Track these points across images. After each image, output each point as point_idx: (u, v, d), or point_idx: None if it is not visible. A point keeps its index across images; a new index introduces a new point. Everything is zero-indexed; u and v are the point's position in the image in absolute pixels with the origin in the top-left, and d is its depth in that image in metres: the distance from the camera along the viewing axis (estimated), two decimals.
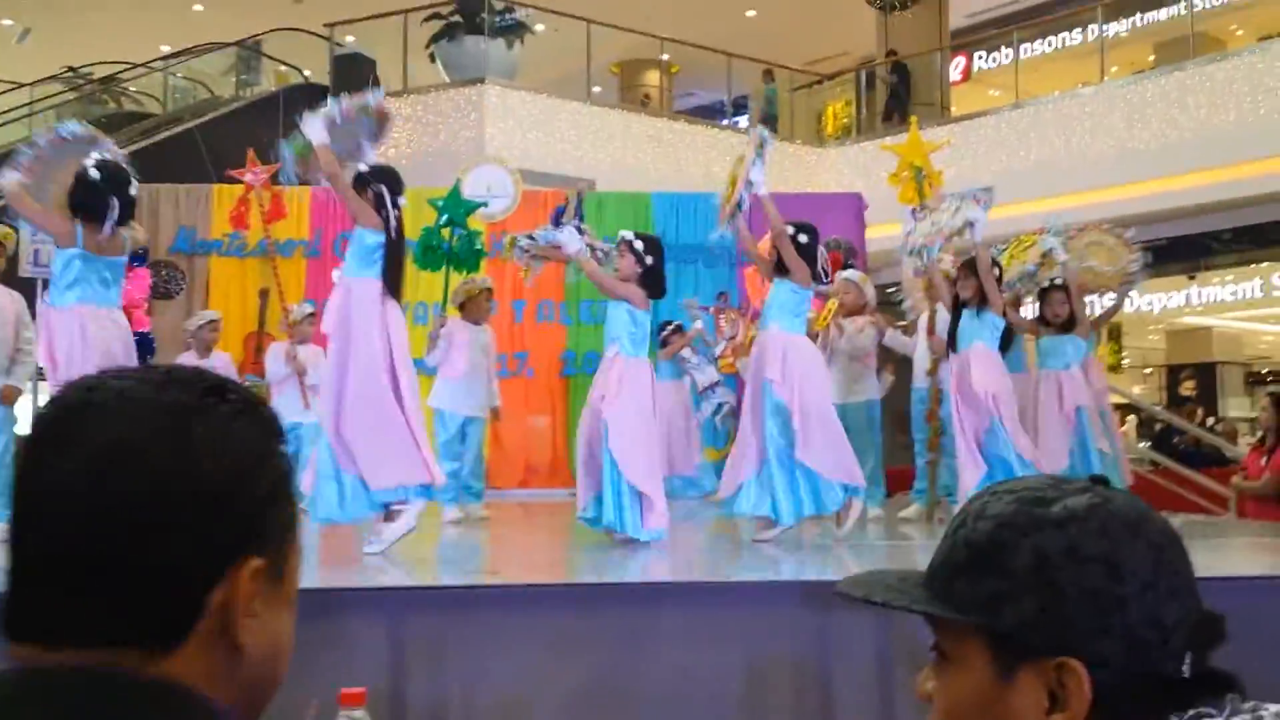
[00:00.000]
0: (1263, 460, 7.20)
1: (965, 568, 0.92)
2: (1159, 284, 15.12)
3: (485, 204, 8.66)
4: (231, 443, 0.82)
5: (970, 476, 5.57)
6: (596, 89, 15.17)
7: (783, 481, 5.33)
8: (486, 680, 3.58)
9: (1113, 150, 12.53)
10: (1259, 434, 7.82)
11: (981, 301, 5.96)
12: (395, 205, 5.00)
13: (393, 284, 5.00)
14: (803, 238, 5.61)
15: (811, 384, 5.45)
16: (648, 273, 5.44)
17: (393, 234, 4.98)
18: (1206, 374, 16.63)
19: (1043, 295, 6.71)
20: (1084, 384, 6.44)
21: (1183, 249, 13.45)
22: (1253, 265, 14.51)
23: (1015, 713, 0.88)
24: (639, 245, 5.47)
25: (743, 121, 17.28)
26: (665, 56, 17.20)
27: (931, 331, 6.86)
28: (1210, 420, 13.64)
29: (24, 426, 6.84)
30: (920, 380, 7.11)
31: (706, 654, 3.68)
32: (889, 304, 8.86)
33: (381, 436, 4.72)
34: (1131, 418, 13.28)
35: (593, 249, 5.88)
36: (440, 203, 7.47)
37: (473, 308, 7.21)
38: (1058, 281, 6.64)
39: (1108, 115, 12.69)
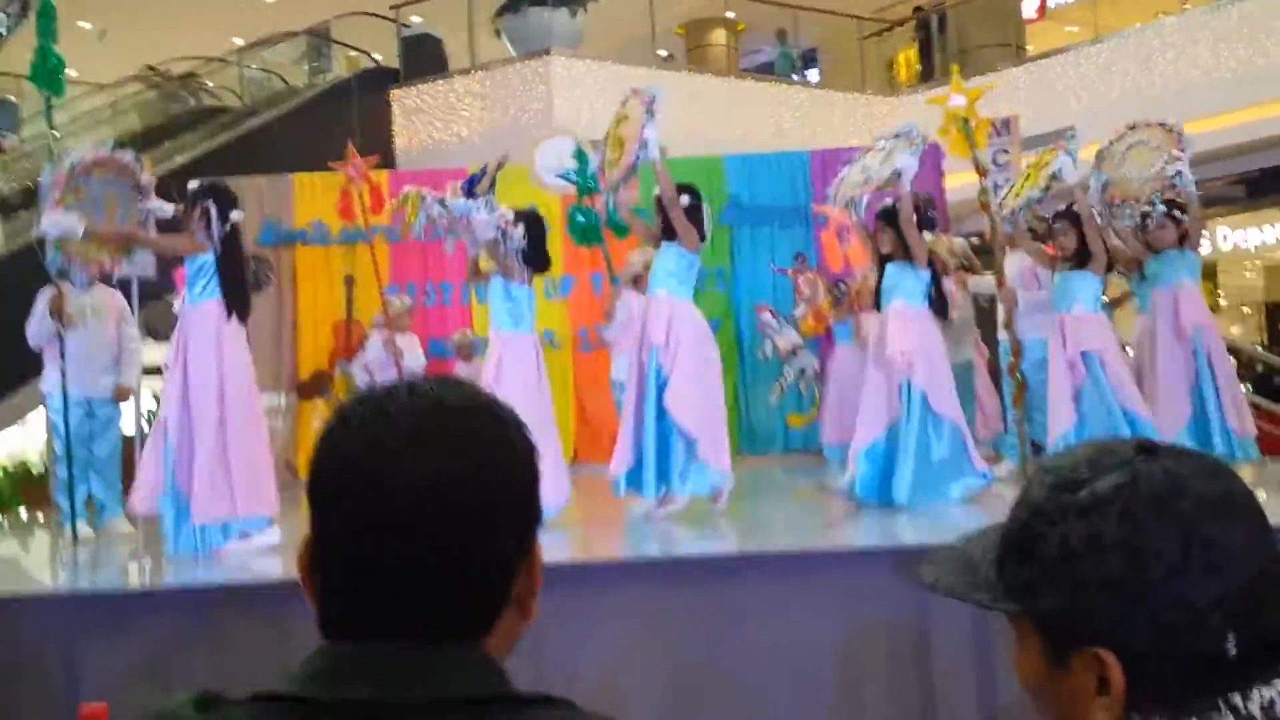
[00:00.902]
0: None
1: (1009, 554, 0.92)
2: (1254, 217, 14.61)
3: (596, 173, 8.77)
4: (521, 457, 0.93)
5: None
6: (662, 52, 15.06)
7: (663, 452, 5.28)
8: (582, 657, 3.65)
9: (1199, 81, 12.10)
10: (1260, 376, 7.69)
11: (906, 254, 5.77)
12: (224, 220, 5.00)
13: (235, 303, 5.03)
14: (685, 199, 5.50)
15: (692, 353, 5.33)
16: (528, 246, 5.48)
17: (218, 250, 4.97)
18: None
19: (1048, 226, 6.44)
20: (1098, 328, 6.05)
21: (1277, 180, 12.98)
22: None
23: (1072, 694, 0.88)
24: (518, 227, 5.52)
25: (812, 75, 17.03)
26: (730, 14, 16.98)
27: (1002, 283, 6.74)
28: None
29: (128, 422, 7.10)
30: (999, 333, 7.00)
31: (799, 626, 3.71)
32: (979, 252, 8.67)
33: (204, 470, 4.76)
34: (1232, 359, 12.87)
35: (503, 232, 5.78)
36: (573, 175, 7.58)
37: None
38: (1061, 208, 6.33)
39: (1192, 45, 12.25)
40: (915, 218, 5.72)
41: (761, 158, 10.59)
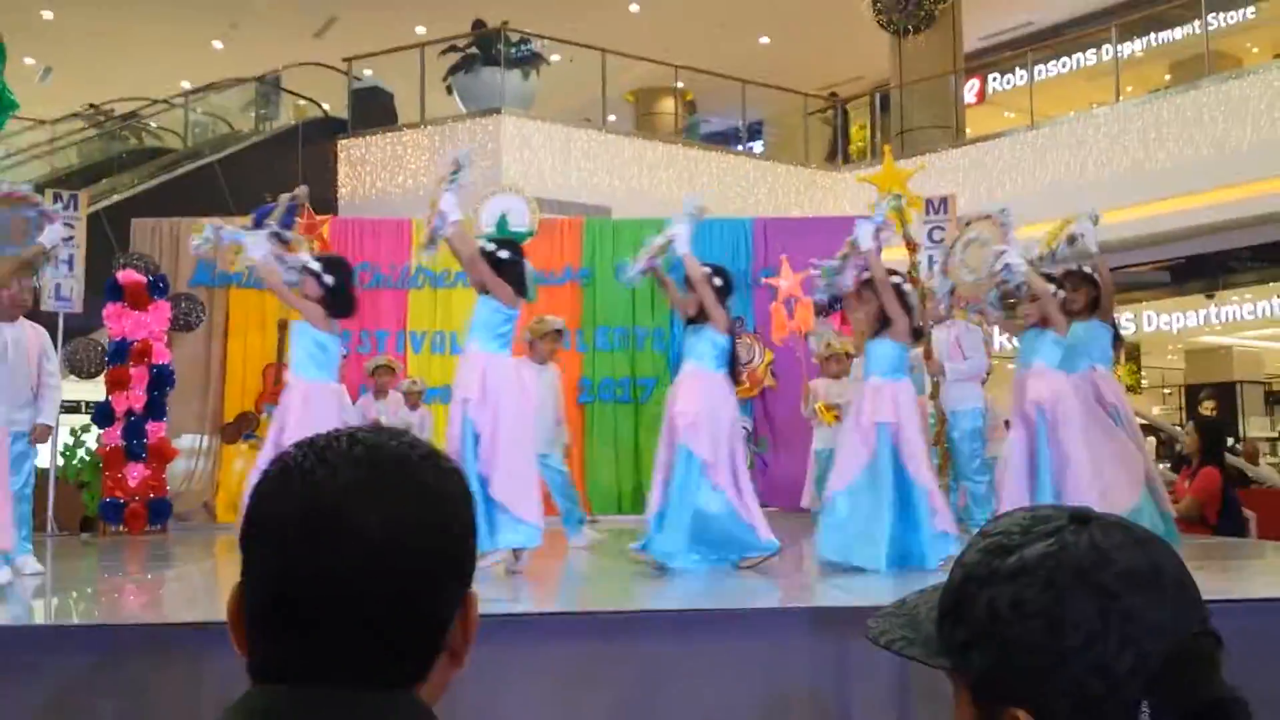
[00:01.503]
0: (1186, 483, 7.39)
1: (944, 613, 0.95)
2: (1177, 303, 15.07)
3: (532, 233, 8.79)
4: (461, 506, 0.94)
5: None
6: (612, 118, 15.26)
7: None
8: (501, 712, 3.58)
9: (1129, 170, 12.52)
10: (1184, 457, 7.97)
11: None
12: None
13: None
14: (503, 254, 5.47)
15: (507, 407, 5.25)
16: (330, 293, 5.43)
17: None
18: (1227, 393, 16.53)
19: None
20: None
21: (1201, 268, 13.41)
22: (1272, 283, 14.43)
23: None
24: (315, 266, 5.46)
25: (757, 147, 17.35)
26: (680, 84, 17.30)
27: (929, 355, 6.86)
28: (1230, 441, 13.52)
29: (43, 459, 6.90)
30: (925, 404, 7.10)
31: (721, 684, 3.68)
32: None
33: None
34: (1151, 439, 13.19)
35: (280, 259, 5.73)
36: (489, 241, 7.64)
37: (541, 348, 7.23)
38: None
39: (1124, 135, 12.69)
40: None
41: (705, 222, 10.66)
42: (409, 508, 0.88)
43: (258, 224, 5.68)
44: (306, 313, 5.41)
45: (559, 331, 7.34)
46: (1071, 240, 5.95)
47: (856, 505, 5.36)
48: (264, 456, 5.42)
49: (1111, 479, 5.70)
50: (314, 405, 5.28)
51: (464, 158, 5.65)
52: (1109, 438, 5.86)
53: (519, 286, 5.47)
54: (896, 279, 5.73)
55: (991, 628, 0.89)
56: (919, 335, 5.81)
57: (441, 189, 5.54)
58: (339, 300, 5.47)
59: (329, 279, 5.43)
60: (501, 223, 8.14)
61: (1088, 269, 6.16)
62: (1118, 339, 6.00)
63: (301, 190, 6.08)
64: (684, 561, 5.34)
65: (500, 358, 5.39)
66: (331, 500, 0.87)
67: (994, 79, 17.02)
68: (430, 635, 0.90)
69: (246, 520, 0.91)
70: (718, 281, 5.70)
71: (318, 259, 5.57)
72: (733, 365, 5.69)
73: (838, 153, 16.23)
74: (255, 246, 5.62)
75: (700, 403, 5.42)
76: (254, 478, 0.95)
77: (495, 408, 5.19)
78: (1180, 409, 17.14)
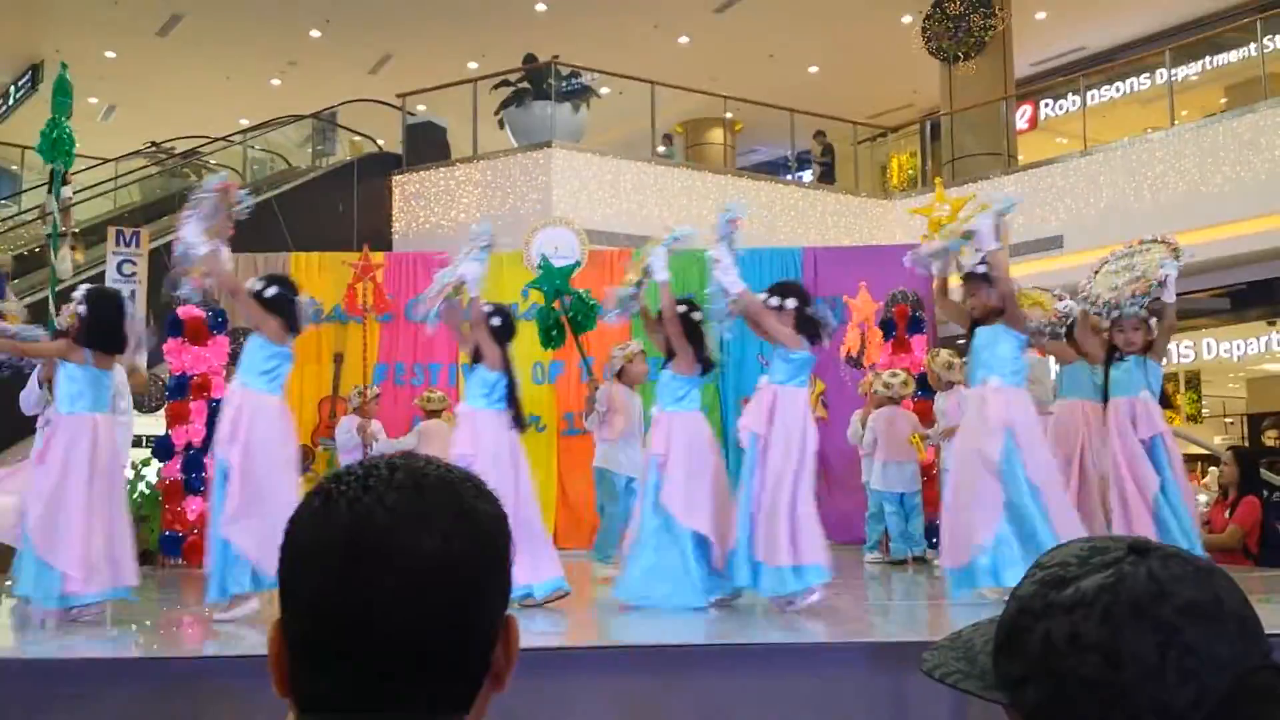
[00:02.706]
0: (1226, 514, 7.27)
1: (999, 646, 0.94)
2: (1238, 330, 14.79)
3: (579, 263, 8.86)
4: (502, 527, 0.94)
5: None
6: (661, 149, 15.34)
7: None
8: None
9: (1185, 194, 12.35)
10: (1222, 487, 7.79)
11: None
12: None
13: None
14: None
15: (264, 446, 5.05)
16: (90, 331, 5.21)
17: None
18: None
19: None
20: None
21: (1261, 294, 13.15)
22: None
23: None
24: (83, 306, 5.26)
25: (806, 176, 17.34)
26: (729, 115, 17.36)
27: None
28: None
29: None
30: None
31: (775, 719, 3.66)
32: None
33: None
34: (1213, 469, 12.93)
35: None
36: (538, 283, 7.75)
37: (631, 372, 7.40)
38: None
39: (1179, 159, 12.52)
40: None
41: (754, 252, 10.69)
42: (456, 530, 0.89)
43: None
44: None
45: (643, 352, 7.41)
46: (1161, 286, 5.75)
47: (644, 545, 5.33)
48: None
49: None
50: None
51: (488, 233, 5.71)
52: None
53: (290, 321, 5.26)
54: (683, 309, 5.58)
55: (1047, 661, 0.87)
56: (708, 368, 5.60)
57: (464, 257, 5.66)
58: (97, 335, 5.21)
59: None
60: (545, 264, 8.23)
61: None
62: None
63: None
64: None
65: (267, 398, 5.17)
66: (380, 525, 0.87)
67: (1046, 104, 16.90)
68: (478, 658, 0.91)
69: (287, 551, 0.91)
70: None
71: (87, 292, 5.34)
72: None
73: (927, 176, 16.08)
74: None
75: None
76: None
77: (247, 446, 5.00)
78: (1243, 438, 16.78)
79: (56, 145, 6.42)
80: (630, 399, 7.41)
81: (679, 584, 5.18)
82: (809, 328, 5.43)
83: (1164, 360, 5.44)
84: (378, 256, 9.79)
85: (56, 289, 8.49)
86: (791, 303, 5.42)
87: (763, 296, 5.50)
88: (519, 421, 5.57)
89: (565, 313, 7.77)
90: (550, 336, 7.88)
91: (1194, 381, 16.50)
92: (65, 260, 8.42)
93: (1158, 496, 5.41)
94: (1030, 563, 0.97)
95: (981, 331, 5.26)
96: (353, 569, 0.86)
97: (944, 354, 8.02)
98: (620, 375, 7.43)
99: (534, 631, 4.64)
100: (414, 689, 0.87)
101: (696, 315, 5.55)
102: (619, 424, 7.25)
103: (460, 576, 0.88)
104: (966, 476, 5.12)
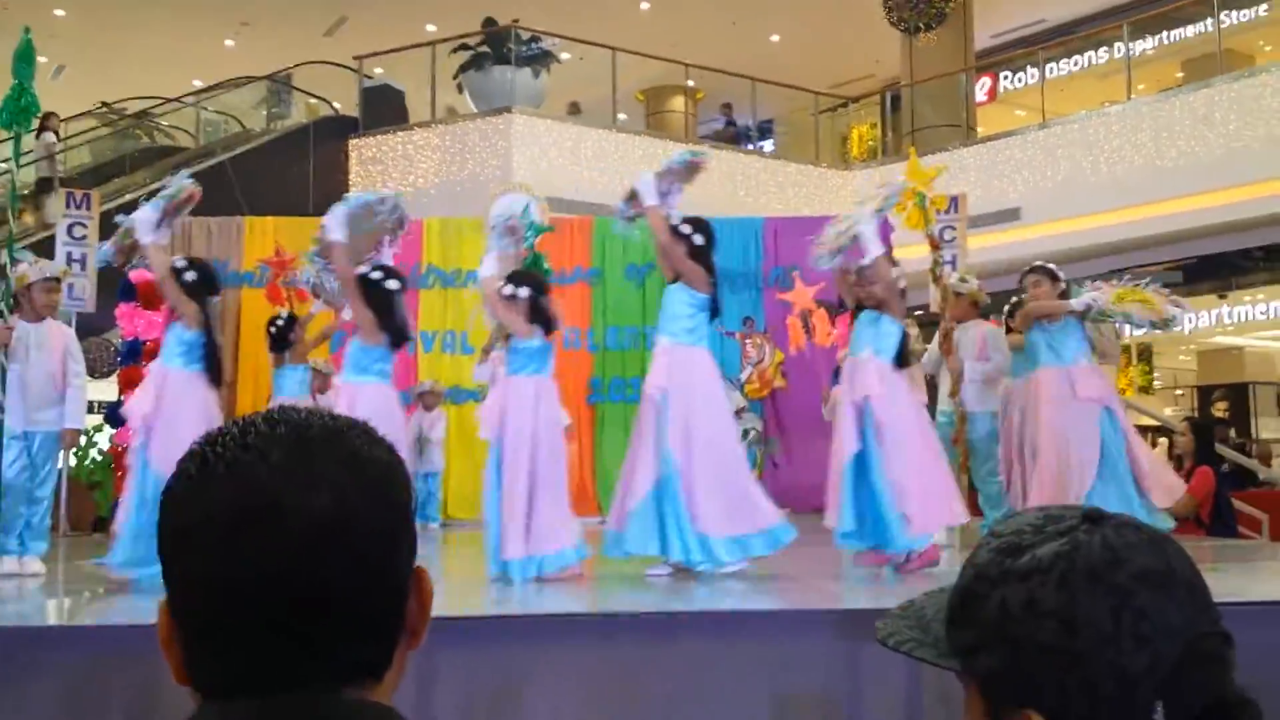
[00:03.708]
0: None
1: (953, 615, 0.94)
2: (1190, 303, 14.99)
3: (551, 228, 8.76)
4: (398, 474, 0.86)
5: None
6: (622, 116, 15.26)
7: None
8: (509, 711, 3.59)
9: (1141, 168, 12.48)
10: (1177, 457, 7.96)
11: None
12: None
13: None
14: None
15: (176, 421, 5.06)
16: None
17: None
18: (1239, 394, 16.47)
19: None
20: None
21: (1213, 268, 13.37)
22: None
23: None
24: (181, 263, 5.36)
25: (767, 145, 17.33)
26: (690, 83, 17.29)
27: (949, 351, 6.82)
28: (1243, 442, 13.47)
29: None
30: (944, 402, 7.07)
31: (729, 687, 3.68)
32: (925, 324, 8.81)
33: None
34: (1163, 440, 13.16)
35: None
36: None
37: None
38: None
39: (1136, 133, 12.65)
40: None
41: (715, 222, 10.64)
42: (351, 482, 0.81)
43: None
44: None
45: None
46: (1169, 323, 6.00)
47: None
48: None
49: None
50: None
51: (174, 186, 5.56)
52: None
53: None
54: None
55: (1003, 628, 0.88)
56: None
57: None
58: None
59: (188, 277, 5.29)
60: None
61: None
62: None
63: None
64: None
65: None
66: (265, 485, 0.79)
67: (1005, 77, 16.97)
68: (393, 616, 0.84)
69: (166, 525, 0.82)
70: (698, 239, 5.36)
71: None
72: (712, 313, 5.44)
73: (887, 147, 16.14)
74: (145, 228, 5.35)
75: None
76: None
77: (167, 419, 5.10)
78: (1193, 410, 17.08)
79: (26, 113, 6.30)
80: None
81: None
82: (542, 318, 5.32)
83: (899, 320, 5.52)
84: (290, 248, 9.36)
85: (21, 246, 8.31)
86: (525, 291, 5.31)
87: (499, 284, 5.36)
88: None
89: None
90: None
91: (1145, 353, 16.75)
92: (59, 204, 8.29)
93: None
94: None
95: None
96: (241, 536, 0.78)
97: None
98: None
99: (500, 600, 4.64)
100: (325, 659, 0.80)
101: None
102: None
103: (360, 531, 0.80)
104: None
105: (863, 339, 5.47)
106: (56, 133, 12.95)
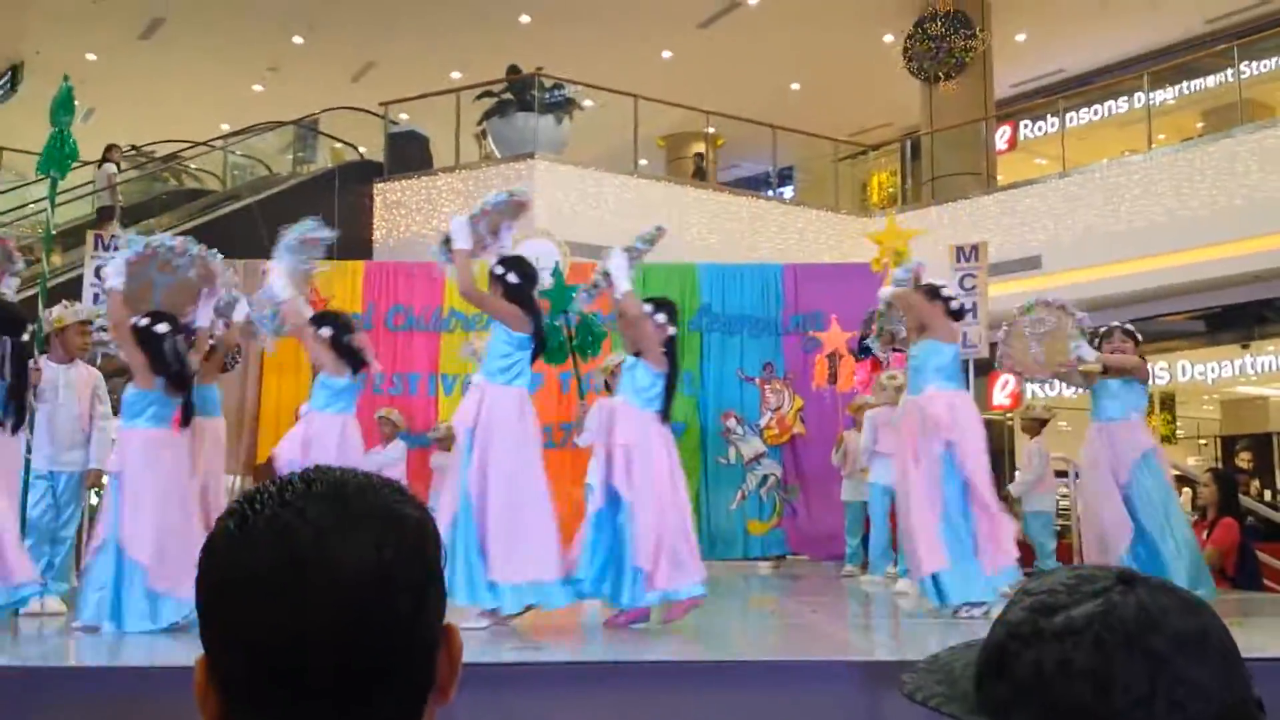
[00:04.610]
0: (1204, 534, 7.31)
1: (983, 672, 0.94)
2: (1212, 353, 14.93)
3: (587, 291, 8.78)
4: (430, 530, 0.89)
5: None
6: (643, 162, 15.39)
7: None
8: None
9: (1162, 218, 12.46)
10: (1200, 508, 7.86)
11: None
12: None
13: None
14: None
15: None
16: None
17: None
18: (1263, 445, 16.31)
19: None
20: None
21: (1236, 317, 13.30)
22: None
23: None
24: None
25: (787, 192, 17.41)
26: (711, 129, 17.42)
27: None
28: (1267, 493, 13.34)
29: None
30: None
31: None
32: None
33: None
34: (1187, 490, 13.05)
35: None
36: (549, 294, 7.68)
37: (614, 385, 7.34)
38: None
39: (1157, 183, 12.64)
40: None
41: (735, 268, 10.77)
42: (387, 538, 0.83)
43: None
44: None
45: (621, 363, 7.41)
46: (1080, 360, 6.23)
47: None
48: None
49: None
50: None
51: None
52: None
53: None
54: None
55: (1037, 688, 0.88)
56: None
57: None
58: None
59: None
60: (558, 277, 8.10)
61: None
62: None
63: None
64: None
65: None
66: (304, 540, 0.81)
67: (1025, 125, 17.03)
68: (423, 671, 0.86)
69: (205, 581, 0.84)
70: (512, 279, 5.34)
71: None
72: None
73: (906, 194, 16.25)
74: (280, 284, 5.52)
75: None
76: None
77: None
78: (1216, 460, 16.92)
79: (65, 158, 6.47)
80: None
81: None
82: (350, 356, 5.40)
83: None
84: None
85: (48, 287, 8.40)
86: (327, 331, 5.39)
87: (306, 322, 5.48)
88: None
89: (569, 328, 7.68)
90: (552, 354, 7.72)
91: (1169, 403, 16.63)
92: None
93: None
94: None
95: (627, 358, 5.53)
96: (281, 591, 0.80)
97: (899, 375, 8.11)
98: (607, 389, 7.42)
99: (509, 647, 4.62)
100: (359, 711, 0.82)
101: (513, 278, 5.33)
102: None
103: (396, 586, 0.82)
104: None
105: (620, 387, 5.46)
106: (118, 164, 13.14)
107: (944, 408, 5.40)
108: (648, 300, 5.56)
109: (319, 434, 5.27)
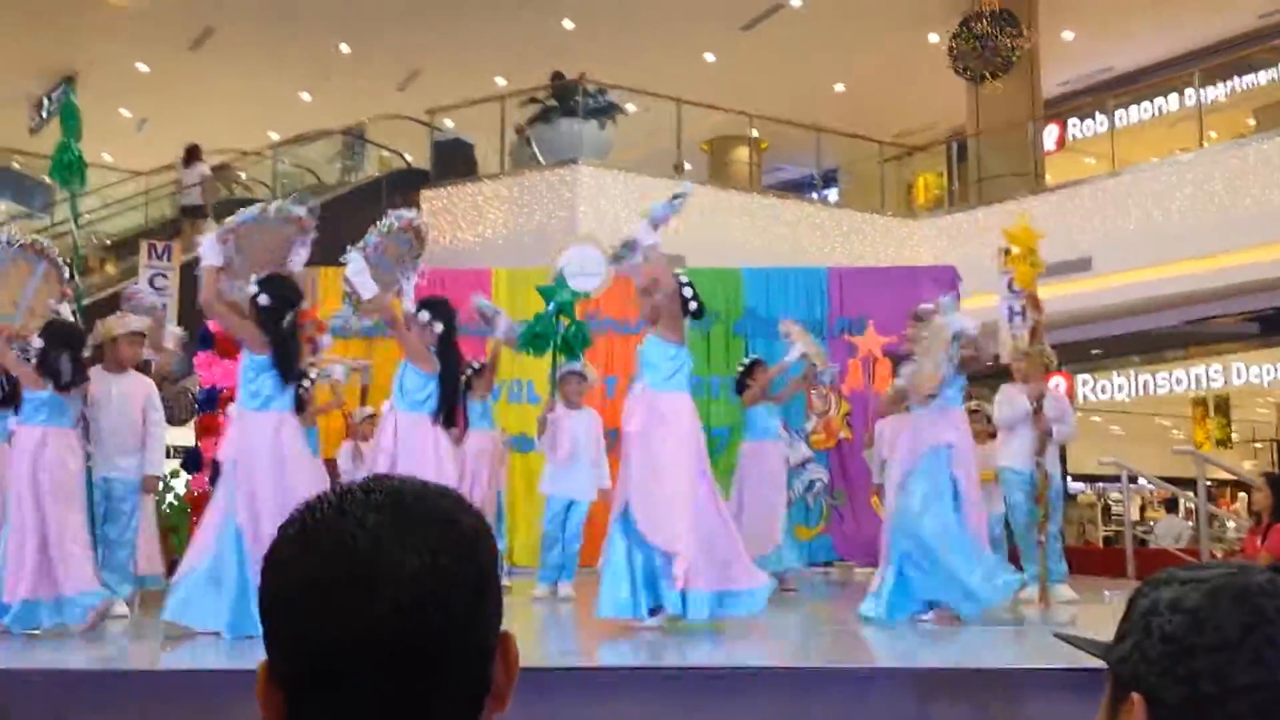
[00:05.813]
0: (1259, 540, 7.21)
1: (1122, 618, 1.02)
2: (1267, 354, 14.67)
3: (588, 294, 8.78)
4: (485, 537, 0.90)
5: None
6: (687, 166, 15.40)
7: None
8: None
9: (1214, 217, 12.27)
10: (1255, 513, 7.78)
11: None
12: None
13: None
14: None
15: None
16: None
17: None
18: None
19: None
20: None
21: None
22: None
23: None
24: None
25: (832, 195, 17.33)
26: (754, 133, 17.39)
27: (1039, 412, 6.79)
28: None
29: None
30: (1013, 460, 7.10)
31: None
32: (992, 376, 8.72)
33: None
34: (1243, 495, 12.83)
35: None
36: (548, 291, 7.67)
37: (565, 392, 7.33)
38: None
39: (1208, 181, 12.45)
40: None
41: (779, 271, 10.74)
42: (444, 544, 0.85)
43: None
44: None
45: (578, 374, 7.40)
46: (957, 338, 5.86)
47: None
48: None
49: None
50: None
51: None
52: None
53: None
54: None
55: (1145, 619, 0.95)
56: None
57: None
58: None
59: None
60: (560, 279, 8.11)
61: None
62: None
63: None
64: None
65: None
66: (363, 548, 0.83)
67: (1074, 125, 16.84)
68: (480, 676, 0.88)
69: (267, 590, 0.87)
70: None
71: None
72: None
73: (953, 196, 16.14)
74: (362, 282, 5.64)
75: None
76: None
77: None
78: (1272, 463, 16.63)
79: (70, 169, 6.50)
80: (571, 419, 7.24)
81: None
82: (51, 373, 5.29)
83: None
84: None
85: (84, 303, 8.58)
86: (38, 343, 5.33)
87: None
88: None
89: (564, 331, 7.63)
90: (533, 341, 7.68)
91: (1223, 406, 16.35)
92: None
93: None
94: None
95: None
96: (340, 599, 0.82)
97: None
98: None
99: (549, 652, 4.65)
100: (416, 717, 0.84)
101: (263, 298, 5.14)
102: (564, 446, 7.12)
103: (453, 593, 0.84)
104: None
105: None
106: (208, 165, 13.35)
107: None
108: (419, 303, 5.71)
109: (251, 431, 5.10)
